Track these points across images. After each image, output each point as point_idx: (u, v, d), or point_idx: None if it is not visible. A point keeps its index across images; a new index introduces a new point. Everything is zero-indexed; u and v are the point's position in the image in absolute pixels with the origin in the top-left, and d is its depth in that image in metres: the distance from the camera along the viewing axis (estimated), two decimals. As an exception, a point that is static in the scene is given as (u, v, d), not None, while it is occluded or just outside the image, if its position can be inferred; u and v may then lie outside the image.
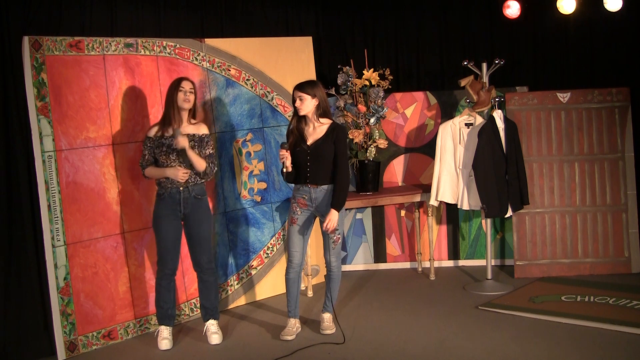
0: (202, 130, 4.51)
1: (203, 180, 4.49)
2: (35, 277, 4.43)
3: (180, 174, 4.35)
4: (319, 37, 6.39)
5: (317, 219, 4.57)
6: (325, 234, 4.50)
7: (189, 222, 4.48)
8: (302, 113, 4.39)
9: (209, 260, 4.56)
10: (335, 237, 4.47)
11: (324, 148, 4.38)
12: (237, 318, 5.05)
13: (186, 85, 4.42)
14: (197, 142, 4.44)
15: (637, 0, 5.72)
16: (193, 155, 4.38)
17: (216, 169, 4.54)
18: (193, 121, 4.54)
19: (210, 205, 5.16)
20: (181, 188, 4.40)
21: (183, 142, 4.33)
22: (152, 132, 4.46)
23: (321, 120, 4.45)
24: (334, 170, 4.40)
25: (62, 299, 4.39)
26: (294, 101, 4.40)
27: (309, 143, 4.41)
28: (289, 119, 4.41)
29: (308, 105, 4.38)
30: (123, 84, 4.73)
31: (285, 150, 4.37)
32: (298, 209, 4.48)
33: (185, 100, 4.40)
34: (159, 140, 4.41)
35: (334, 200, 4.37)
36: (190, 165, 4.40)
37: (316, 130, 4.44)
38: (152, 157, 4.44)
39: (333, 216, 4.35)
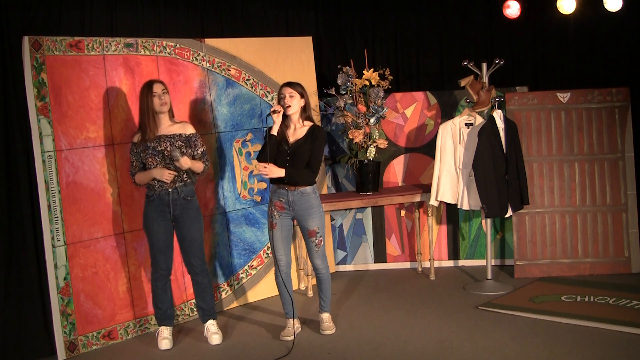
0: (189, 129, 4.49)
1: (191, 180, 4.46)
2: (35, 277, 4.43)
3: (165, 174, 4.32)
4: (319, 37, 6.39)
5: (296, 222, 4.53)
6: (307, 239, 4.48)
7: (179, 224, 4.46)
8: (290, 111, 4.36)
9: (202, 261, 4.54)
10: (317, 240, 4.46)
11: (304, 149, 4.37)
12: (237, 318, 5.05)
13: (158, 89, 4.38)
14: (184, 141, 4.42)
15: (637, 0, 5.72)
16: (194, 166, 4.40)
17: (209, 162, 4.55)
18: (176, 120, 4.52)
19: (211, 205, 5.18)
20: (170, 190, 4.39)
21: (185, 162, 4.32)
22: (136, 138, 4.43)
23: (304, 122, 4.45)
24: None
25: (62, 299, 4.39)
26: (281, 98, 4.36)
27: (290, 143, 4.40)
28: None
29: (296, 103, 4.37)
30: (123, 84, 4.73)
31: (280, 107, 4.32)
32: (276, 213, 4.44)
33: (162, 104, 4.38)
34: (144, 144, 4.37)
35: (291, 170, 4.32)
36: (177, 168, 4.38)
37: (297, 131, 4.43)
38: (140, 162, 4.41)
39: (276, 169, 4.27)
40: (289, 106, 4.34)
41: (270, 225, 4.47)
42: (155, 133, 4.37)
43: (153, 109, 4.35)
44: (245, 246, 5.40)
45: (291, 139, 4.41)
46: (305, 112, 4.44)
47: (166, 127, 4.44)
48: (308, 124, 4.46)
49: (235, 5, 5.79)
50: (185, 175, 4.41)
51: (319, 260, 4.51)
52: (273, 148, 4.33)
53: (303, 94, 4.40)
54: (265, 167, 4.28)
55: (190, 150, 4.43)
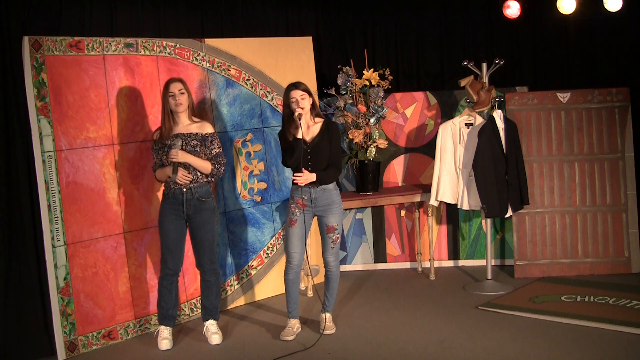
0: (207, 129, 4.49)
1: (207, 181, 4.47)
2: (35, 277, 4.43)
3: (180, 174, 4.35)
4: (319, 37, 6.39)
5: (316, 219, 4.56)
6: (324, 234, 4.51)
7: (191, 224, 4.48)
8: (305, 112, 4.39)
9: (211, 261, 4.55)
10: (334, 237, 4.48)
11: (322, 145, 4.40)
12: (237, 318, 5.05)
13: (175, 88, 4.38)
14: (200, 141, 4.43)
15: (637, 0, 5.72)
16: (196, 162, 4.38)
17: (224, 168, 4.52)
18: (195, 119, 4.53)
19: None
20: (184, 189, 4.39)
21: (174, 155, 4.30)
22: (155, 136, 4.49)
23: (315, 119, 4.47)
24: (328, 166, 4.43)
25: (62, 299, 4.39)
26: (292, 102, 4.36)
27: (307, 142, 4.42)
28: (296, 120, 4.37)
29: (307, 104, 4.39)
30: (123, 84, 4.73)
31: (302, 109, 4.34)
32: (297, 210, 4.46)
33: (178, 104, 4.38)
34: (162, 142, 4.41)
35: (322, 172, 4.38)
36: (190, 171, 4.39)
37: (310, 129, 4.45)
38: (159, 159, 4.44)
39: (309, 175, 4.34)
40: (303, 108, 4.35)
41: (290, 221, 4.48)
42: (170, 132, 4.39)
43: (169, 109, 4.39)
44: (246, 246, 5.40)
45: (307, 138, 4.43)
46: (314, 109, 4.47)
47: (184, 125, 4.45)
48: (319, 120, 4.49)
49: (235, 5, 5.79)
50: (201, 176, 4.39)
51: (332, 257, 4.54)
52: (300, 152, 4.35)
53: (310, 92, 4.42)
54: (300, 176, 4.32)
55: (204, 149, 4.44)
